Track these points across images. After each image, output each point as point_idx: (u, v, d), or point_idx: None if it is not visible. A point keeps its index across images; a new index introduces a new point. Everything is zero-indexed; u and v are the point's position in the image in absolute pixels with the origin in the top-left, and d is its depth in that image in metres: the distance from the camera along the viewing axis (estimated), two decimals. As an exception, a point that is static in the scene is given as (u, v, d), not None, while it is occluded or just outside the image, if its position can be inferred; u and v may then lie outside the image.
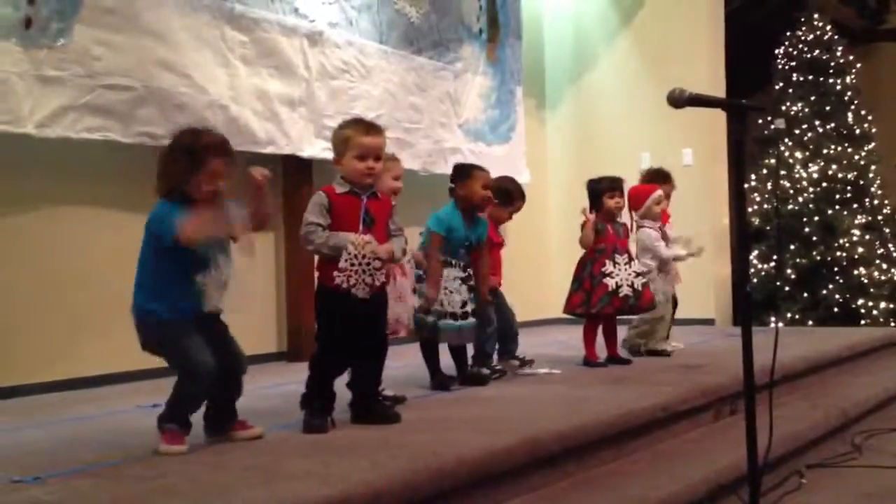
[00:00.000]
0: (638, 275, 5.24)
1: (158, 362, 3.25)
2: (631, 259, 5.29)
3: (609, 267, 5.20)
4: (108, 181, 5.19)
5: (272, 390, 4.61)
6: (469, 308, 4.49)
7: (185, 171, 3.15)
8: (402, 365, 4.73)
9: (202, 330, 3.20)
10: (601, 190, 5.38)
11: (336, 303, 3.47)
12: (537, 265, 5.48)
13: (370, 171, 3.51)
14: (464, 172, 4.73)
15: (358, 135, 3.52)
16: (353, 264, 3.41)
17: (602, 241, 5.27)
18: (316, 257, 3.60)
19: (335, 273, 3.41)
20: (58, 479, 2.81)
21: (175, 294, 3.16)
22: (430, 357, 4.64)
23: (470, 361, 4.77)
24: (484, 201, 4.63)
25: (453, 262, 4.50)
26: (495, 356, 4.98)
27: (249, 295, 3.33)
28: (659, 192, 5.67)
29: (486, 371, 4.82)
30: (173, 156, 3.21)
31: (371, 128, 3.59)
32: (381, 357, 3.69)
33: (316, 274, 3.62)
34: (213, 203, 3.17)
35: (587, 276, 5.26)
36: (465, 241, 4.56)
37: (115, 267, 5.10)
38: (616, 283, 5.17)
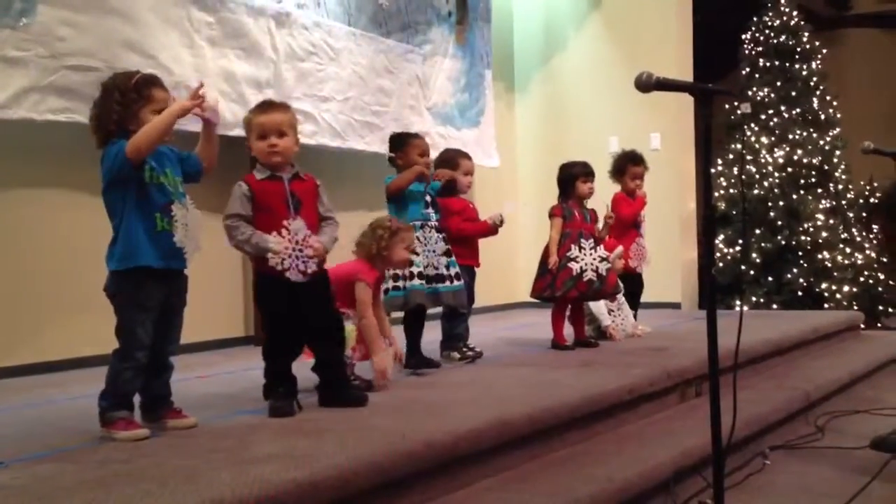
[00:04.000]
0: (602, 259, 5.26)
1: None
2: (597, 244, 5.31)
3: (574, 251, 5.22)
4: (72, 163, 5.12)
5: (239, 375, 4.59)
6: (432, 272, 4.52)
7: (128, 108, 3.14)
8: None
9: (160, 289, 3.17)
10: (575, 175, 5.40)
11: (275, 286, 3.46)
12: (505, 249, 5.50)
13: (272, 147, 3.47)
14: (400, 142, 4.74)
15: (255, 116, 3.53)
16: (285, 247, 3.41)
17: (568, 226, 5.29)
18: None
19: (270, 255, 3.39)
20: (22, 464, 2.78)
21: (141, 236, 3.12)
22: (412, 332, 4.65)
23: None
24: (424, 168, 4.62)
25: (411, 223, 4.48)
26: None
27: (199, 244, 3.27)
28: (617, 251, 5.66)
29: (457, 356, 4.85)
30: (111, 98, 3.16)
31: (268, 105, 3.59)
32: (337, 337, 3.67)
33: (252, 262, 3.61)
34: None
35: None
36: (423, 195, 4.59)
37: (80, 250, 5.06)
38: (580, 267, 5.19)
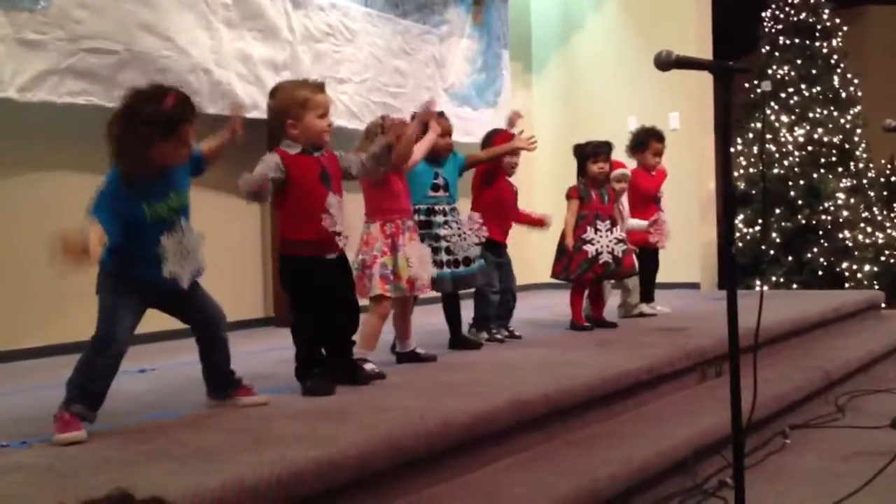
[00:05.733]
0: (619, 241, 5.25)
1: (142, 328, 3.21)
2: (614, 225, 5.30)
3: (589, 234, 5.20)
4: (91, 145, 5.13)
5: (260, 356, 4.62)
6: (445, 257, 4.43)
7: (149, 141, 2.86)
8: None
9: (162, 297, 3.08)
10: (585, 154, 5.39)
11: (309, 266, 3.50)
12: (523, 230, 5.52)
13: (330, 128, 3.56)
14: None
15: (314, 94, 3.53)
16: (340, 223, 3.48)
17: (585, 208, 5.28)
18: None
19: (338, 240, 3.46)
20: (45, 444, 2.81)
21: (133, 256, 2.96)
22: (450, 316, 4.71)
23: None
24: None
25: (416, 207, 4.36)
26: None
27: (204, 267, 3.14)
28: (620, 171, 5.67)
29: (485, 336, 4.86)
30: (133, 127, 2.85)
31: (322, 87, 3.62)
32: (354, 319, 3.69)
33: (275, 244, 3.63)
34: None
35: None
36: (433, 180, 4.47)
37: (100, 232, 5.08)
38: (596, 249, 5.18)
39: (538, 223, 5.25)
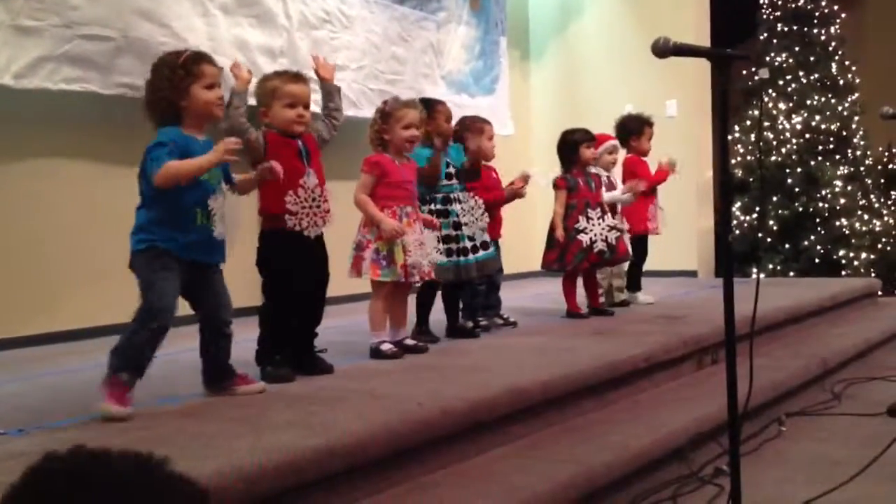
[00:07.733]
0: (612, 228, 5.23)
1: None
2: (604, 212, 5.28)
3: (582, 223, 5.18)
4: (87, 133, 5.14)
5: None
6: (469, 243, 4.45)
7: (179, 85, 3.08)
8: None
9: (191, 271, 3.10)
10: (577, 140, 5.37)
11: (288, 241, 3.52)
12: (520, 218, 5.52)
13: (301, 118, 3.55)
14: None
15: (285, 84, 3.56)
16: (302, 207, 3.49)
17: (573, 198, 5.25)
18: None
19: (287, 217, 3.48)
20: (42, 431, 2.81)
21: (175, 224, 3.05)
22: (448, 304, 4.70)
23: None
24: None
25: (428, 197, 4.40)
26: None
27: (238, 230, 3.26)
28: (612, 142, 5.67)
29: (470, 324, 4.85)
30: (161, 74, 3.10)
31: (299, 77, 3.63)
32: (322, 306, 3.72)
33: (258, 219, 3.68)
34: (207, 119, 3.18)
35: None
36: (445, 168, 4.48)
37: (95, 219, 5.08)
38: (590, 238, 5.16)
39: (506, 201, 5.12)
